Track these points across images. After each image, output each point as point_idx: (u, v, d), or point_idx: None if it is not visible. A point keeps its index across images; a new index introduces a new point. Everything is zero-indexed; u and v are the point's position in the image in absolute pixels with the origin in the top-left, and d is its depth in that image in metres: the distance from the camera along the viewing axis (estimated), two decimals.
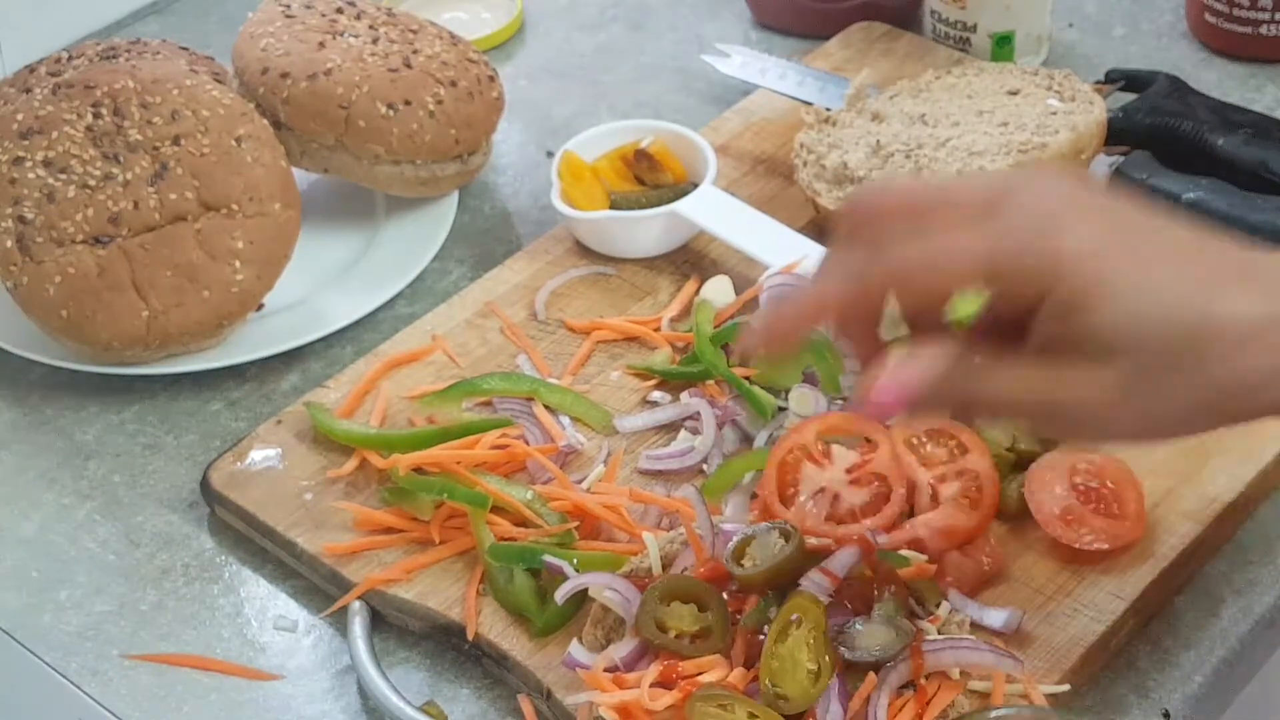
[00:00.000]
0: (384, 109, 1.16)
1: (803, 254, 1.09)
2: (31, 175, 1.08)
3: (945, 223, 0.75)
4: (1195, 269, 0.73)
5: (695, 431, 1.01)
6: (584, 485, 0.98)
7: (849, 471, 0.92)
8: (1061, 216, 0.73)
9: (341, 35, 1.20)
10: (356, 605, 0.94)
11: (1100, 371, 0.73)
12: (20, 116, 1.10)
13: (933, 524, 0.92)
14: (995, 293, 0.74)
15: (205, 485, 1.02)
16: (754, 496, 0.95)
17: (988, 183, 0.77)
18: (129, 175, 1.09)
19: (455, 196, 1.23)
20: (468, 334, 1.10)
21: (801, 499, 0.90)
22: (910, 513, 0.94)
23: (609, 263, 1.15)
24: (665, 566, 0.89)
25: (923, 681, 0.84)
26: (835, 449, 0.93)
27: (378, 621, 0.95)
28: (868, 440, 0.93)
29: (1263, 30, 1.31)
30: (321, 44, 1.18)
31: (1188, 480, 0.96)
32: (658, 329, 1.08)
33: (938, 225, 0.75)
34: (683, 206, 1.14)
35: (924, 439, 0.94)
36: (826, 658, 0.82)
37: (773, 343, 0.79)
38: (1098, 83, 1.22)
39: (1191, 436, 0.76)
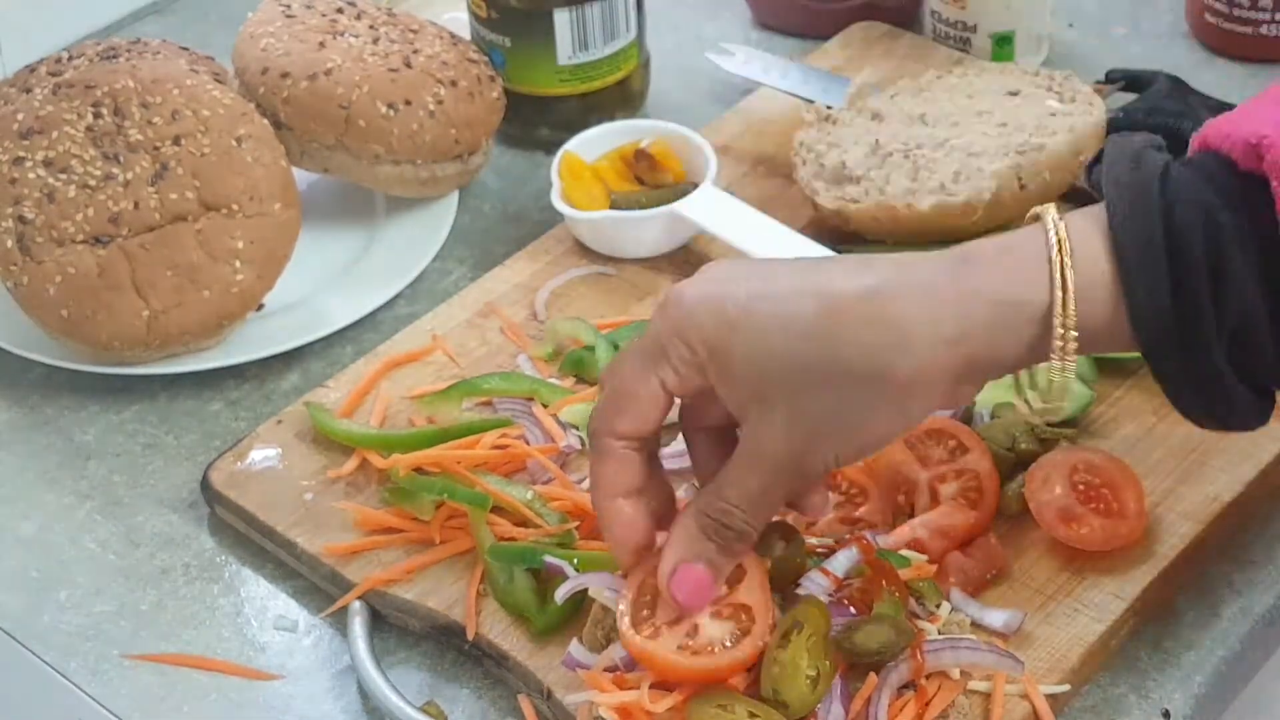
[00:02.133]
0: (384, 109, 1.16)
1: (799, 253, 1.09)
2: (32, 175, 1.08)
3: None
4: (811, 273, 0.78)
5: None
6: (584, 485, 0.98)
7: (713, 602, 0.83)
8: (682, 286, 0.79)
9: (341, 35, 1.20)
10: (356, 605, 0.94)
11: (769, 416, 0.77)
12: (20, 116, 1.10)
13: (932, 524, 0.92)
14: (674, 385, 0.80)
15: (205, 485, 1.02)
16: None
17: (653, 318, 0.81)
18: (129, 175, 1.09)
19: (455, 196, 1.23)
20: (468, 334, 1.10)
21: (657, 622, 0.83)
22: (910, 512, 0.94)
23: (609, 263, 1.15)
24: None
25: (923, 682, 0.84)
26: None
27: (378, 621, 0.95)
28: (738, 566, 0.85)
29: (1263, 30, 1.31)
30: (321, 44, 1.18)
31: (1188, 480, 0.96)
32: None
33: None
34: (683, 206, 1.14)
35: (923, 438, 0.94)
36: (827, 663, 0.82)
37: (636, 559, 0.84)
38: (1098, 83, 1.22)
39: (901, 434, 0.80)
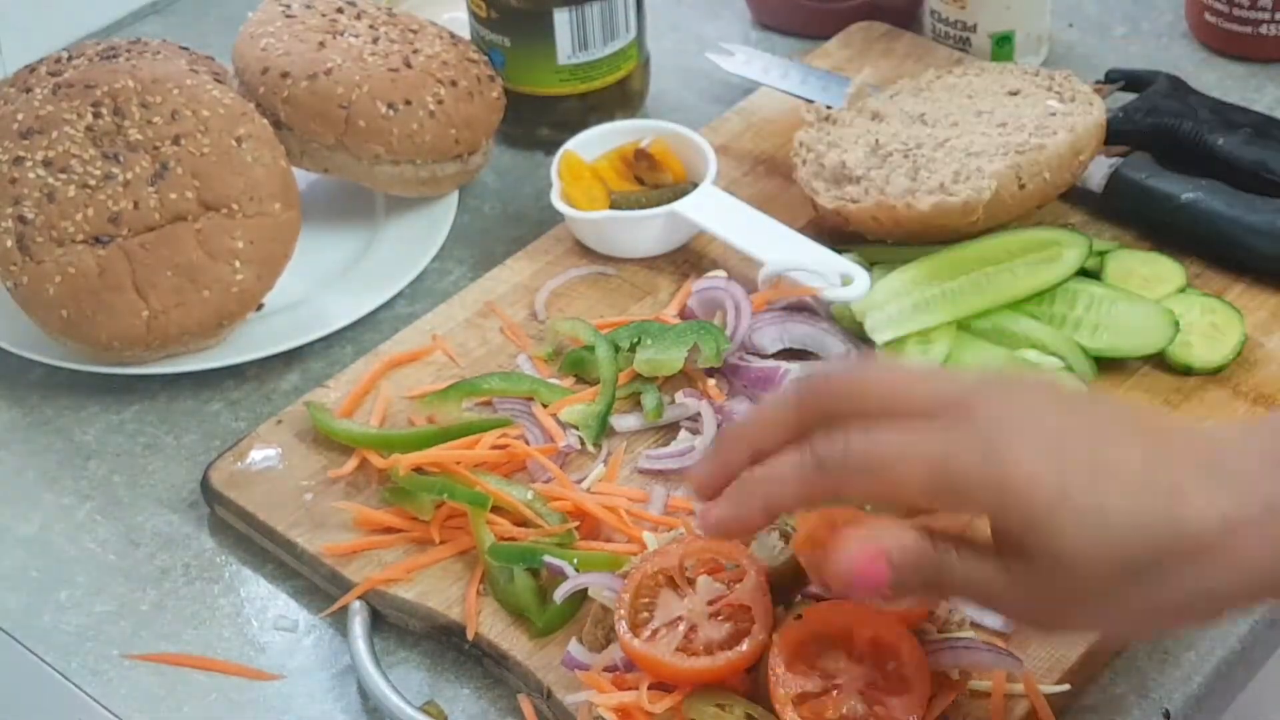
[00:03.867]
0: (384, 109, 1.16)
1: (799, 253, 1.09)
2: (31, 175, 1.08)
3: (899, 423, 0.74)
4: (1157, 474, 0.71)
5: (695, 431, 1.01)
6: (584, 485, 0.98)
7: (711, 603, 0.83)
8: (1011, 437, 0.71)
9: (341, 35, 1.20)
10: (356, 605, 0.94)
11: (1063, 582, 0.71)
12: (20, 116, 1.10)
13: None
14: (949, 506, 0.74)
15: (205, 485, 1.02)
16: None
17: (949, 387, 0.75)
18: (129, 175, 1.09)
19: (455, 196, 1.23)
20: (468, 334, 1.10)
21: (655, 625, 0.83)
22: None
23: (609, 263, 1.15)
24: None
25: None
26: (701, 579, 0.84)
27: (378, 621, 0.95)
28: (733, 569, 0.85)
29: (1263, 30, 1.31)
30: (321, 44, 1.18)
31: None
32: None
33: (891, 424, 0.74)
34: (683, 206, 1.14)
35: None
36: None
37: (711, 493, 0.79)
38: (1098, 83, 1.22)
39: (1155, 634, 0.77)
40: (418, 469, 0.97)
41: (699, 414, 1.01)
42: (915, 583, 0.75)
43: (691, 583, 0.84)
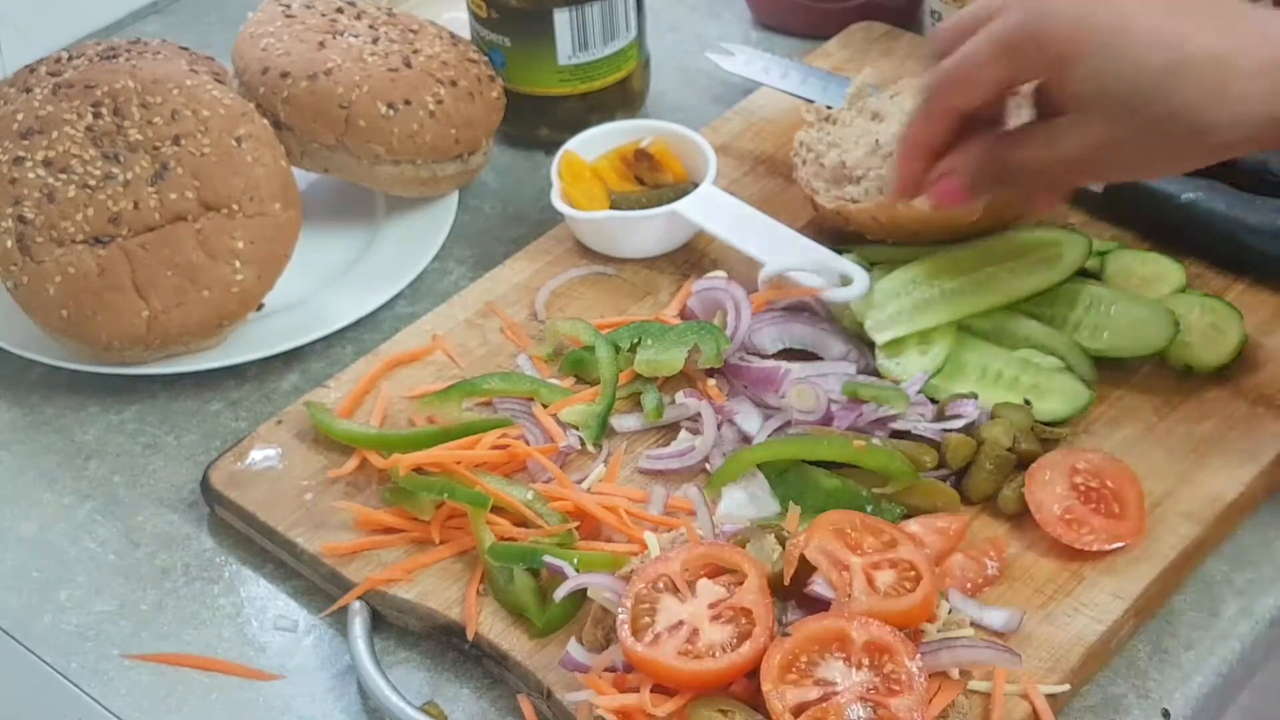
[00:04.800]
0: (384, 109, 1.16)
1: (799, 253, 1.09)
2: (31, 175, 1.08)
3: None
4: (1172, 13, 0.84)
5: (695, 431, 1.01)
6: (584, 485, 0.98)
7: (712, 606, 0.83)
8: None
9: (341, 35, 1.20)
10: (356, 605, 0.94)
11: (1085, 124, 0.88)
12: (20, 116, 1.10)
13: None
14: (1014, 71, 0.91)
15: (205, 485, 1.02)
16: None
17: None
18: (129, 175, 1.09)
19: (455, 196, 1.23)
20: (468, 334, 1.10)
21: (656, 629, 0.83)
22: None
23: (609, 263, 1.15)
24: None
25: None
26: (701, 582, 0.85)
27: (378, 621, 0.95)
28: (733, 573, 0.86)
29: None
30: (321, 44, 1.18)
31: (1188, 480, 0.96)
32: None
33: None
34: (683, 206, 1.14)
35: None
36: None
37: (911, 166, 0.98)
38: None
39: (1184, 168, 0.94)
40: (418, 469, 0.97)
41: (699, 414, 1.01)
42: (987, 175, 0.94)
43: (692, 586, 0.84)
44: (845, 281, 1.07)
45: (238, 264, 1.09)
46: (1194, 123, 0.85)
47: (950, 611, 0.87)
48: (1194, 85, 0.84)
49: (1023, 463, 0.96)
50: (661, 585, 0.85)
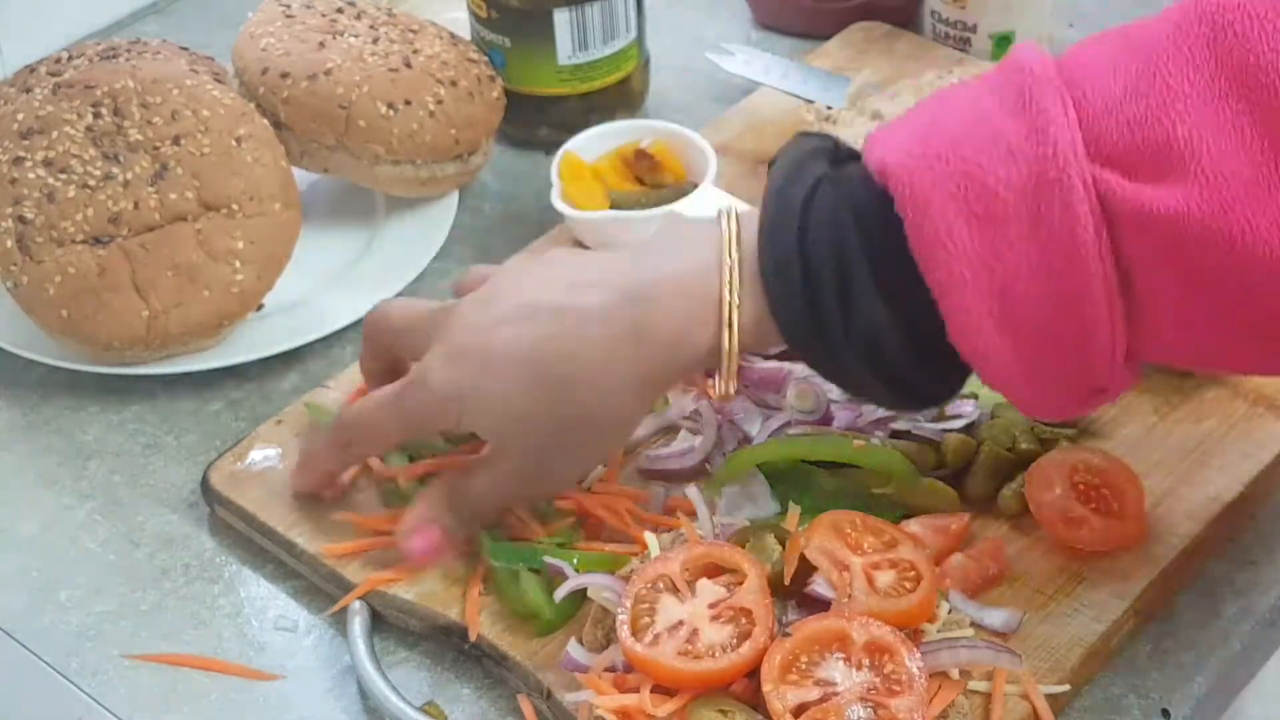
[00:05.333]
0: (384, 109, 1.16)
1: None
2: (31, 175, 1.08)
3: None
4: (544, 319, 0.87)
5: (695, 431, 1.01)
6: (584, 485, 0.98)
7: (712, 606, 0.84)
8: (432, 358, 0.90)
9: (341, 35, 1.20)
10: (356, 605, 0.94)
11: (503, 456, 0.91)
12: (20, 116, 1.10)
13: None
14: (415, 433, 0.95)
15: (205, 485, 1.02)
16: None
17: (432, 316, 0.93)
18: (129, 175, 1.09)
19: (455, 196, 1.23)
20: None
21: (656, 629, 0.83)
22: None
23: None
24: None
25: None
26: (701, 582, 0.85)
27: (378, 621, 0.95)
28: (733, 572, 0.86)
29: None
30: (321, 44, 1.18)
31: (1188, 480, 0.96)
32: None
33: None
34: (683, 206, 1.13)
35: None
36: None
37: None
38: None
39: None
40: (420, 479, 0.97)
41: (698, 413, 1.01)
42: (467, 523, 0.93)
43: (692, 586, 0.84)
44: None
45: (238, 264, 1.09)
46: (579, 415, 0.88)
47: (950, 611, 0.87)
48: (559, 386, 0.87)
49: (1023, 463, 0.96)
50: (661, 585, 0.85)
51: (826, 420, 0.99)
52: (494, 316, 0.89)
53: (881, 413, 0.98)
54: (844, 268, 0.81)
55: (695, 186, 1.15)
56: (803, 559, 0.85)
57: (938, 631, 0.85)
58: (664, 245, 0.88)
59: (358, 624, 0.93)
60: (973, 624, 0.88)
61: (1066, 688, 0.87)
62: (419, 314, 0.94)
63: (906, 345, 0.82)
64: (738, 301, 0.84)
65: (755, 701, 0.81)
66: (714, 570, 0.85)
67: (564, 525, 0.95)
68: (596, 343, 0.86)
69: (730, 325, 0.84)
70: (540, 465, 0.91)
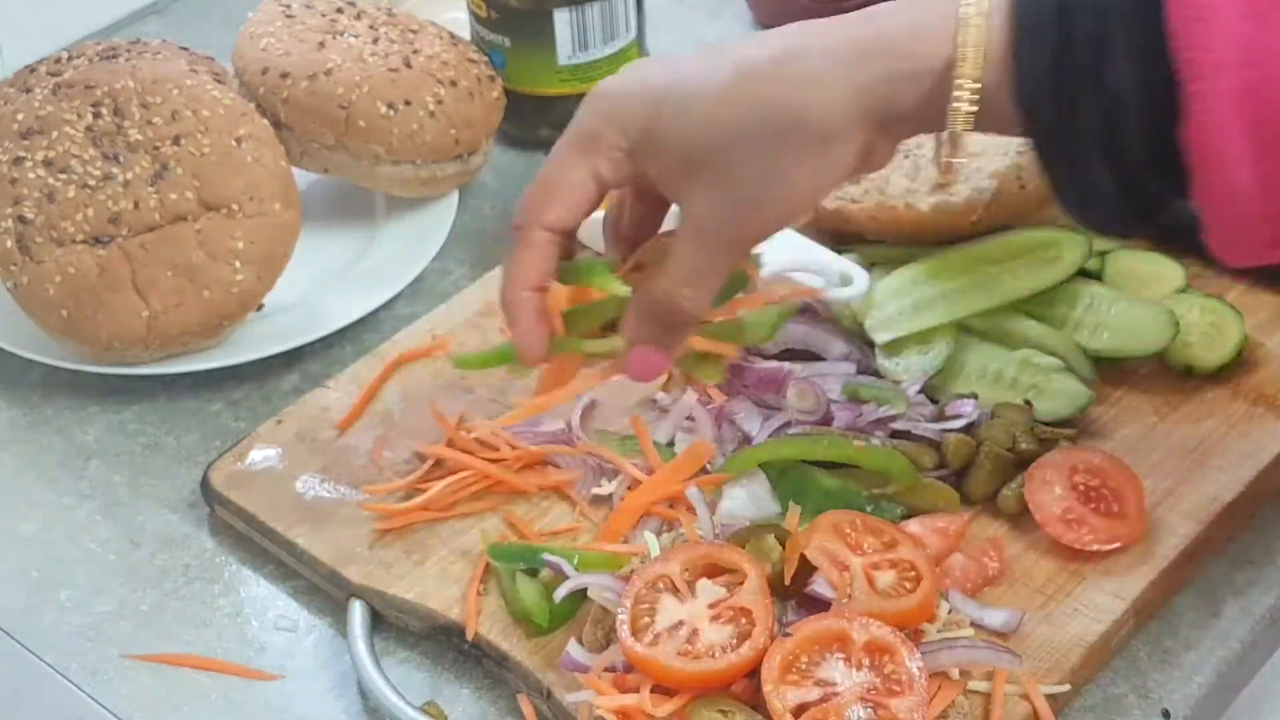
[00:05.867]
0: (384, 109, 1.16)
1: (799, 253, 1.09)
2: (31, 175, 1.08)
3: None
4: (726, 51, 0.80)
5: (689, 430, 1.01)
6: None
7: (711, 606, 0.84)
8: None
9: (341, 35, 1.20)
10: (356, 605, 0.94)
11: (703, 190, 0.81)
12: (20, 116, 1.10)
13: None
14: (600, 165, 0.83)
15: (205, 485, 1.02)
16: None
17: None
18: (129, 175, 1.09)
19: (455, 196, 1.23)
20: (468, 334, 1.10)
21: (656, 630, 0.83)
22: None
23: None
24: None
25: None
26: (701, 582, 0.85)
27: (378, 621, 0.95)
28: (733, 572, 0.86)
29: None
30: (321, 44, 1.18)
31: (1188, 480, 0.96)
32: None
33: None
34: None
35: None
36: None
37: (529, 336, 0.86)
38: None
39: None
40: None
41: (692, 415, 1.01)
42: (661, 325, 0.84)
43: (691, 586, 0.84)
44: (845, 281, 1.07)
45: (238, 264, 1.09)
46: (785, 114, 0.79)
47: (950, 611, 0.87)
48: (768, 81, 0.79)
49: (1023, 463, 0.96)
50: (661, 585, 0.85)
51: (826, 420, 0.99)
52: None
53: (881, 413, 0.99)
54: (1104, 20, 0.74)
55: None
56: (803, 559, 0.85)
57: (938, 631, 0.85)
58: None
59: (358, 624, 0.93)
60: (973, 624, 0.88)
61: (1066, 688, 0.87)
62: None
63: (1146, 129, 0.74)
64: (977, 8, 0.76)
65: (755, 701, 0.81)
66: (714, 570, 0.85)
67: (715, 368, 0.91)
68: (814, 51, 0.79)
69: (963, 45, 0.76)
70: (742, 194, 0.80)
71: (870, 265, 1.08)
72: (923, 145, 1.12)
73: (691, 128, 0.80)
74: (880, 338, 1.04)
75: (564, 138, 0.85)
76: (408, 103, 1.17)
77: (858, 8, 1.36)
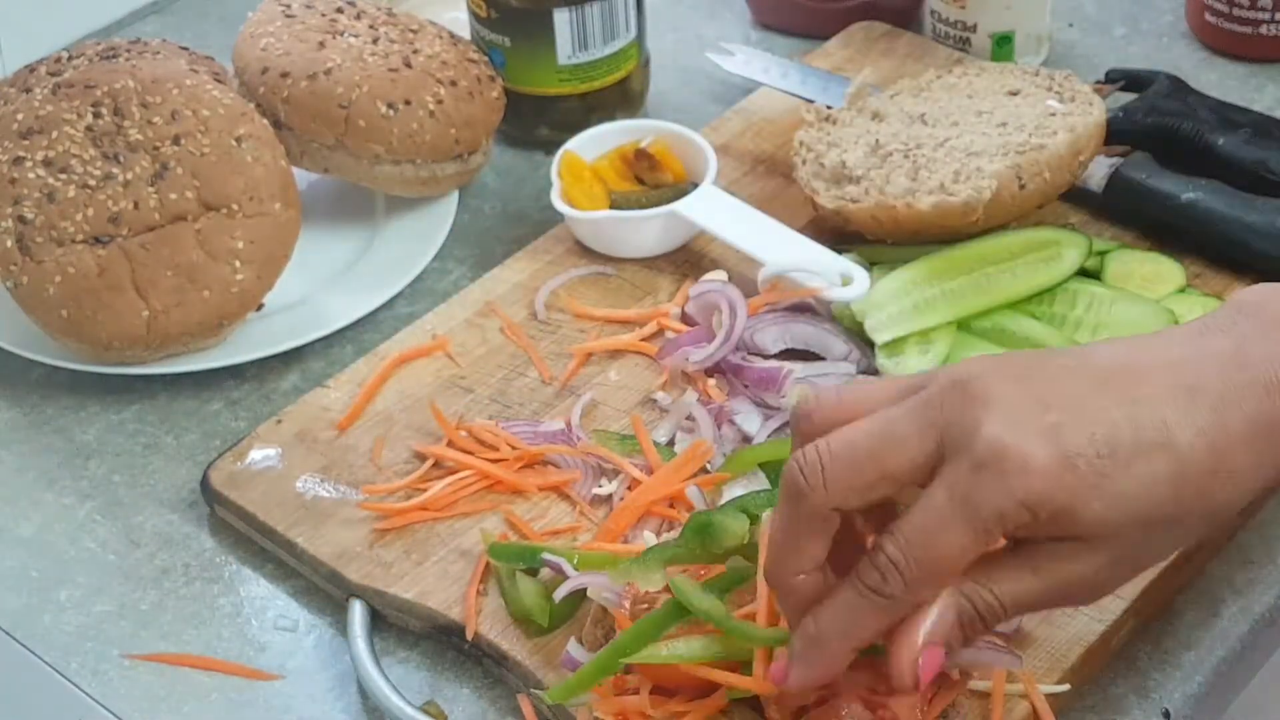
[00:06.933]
0: (384, 109, 1.16)
1: (799, 253, 1.09)
2: (31, 175, 1.08)
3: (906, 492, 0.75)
4: (1142, 418, 0.73)
5: (689, 430, 1.01)
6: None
7: None
8: (999, 437, 0.72)
9: (341, 35, 1.20)
10: (356, 605, 0.94)
11: (1088, 555, 0.74)
12: (20, 116, 1.10)
13: None
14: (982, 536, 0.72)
15: (205, 485, 1.02)
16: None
17: (912, 376, 0.77)
18: (129, 175, 1.09)
19: (455, 196, 1.23)
20: (468, 334, 1.10)
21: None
22: None
23: (609, 263, 1.15)
24: None
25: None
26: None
27: (378, 621, 0.95)
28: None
29: (1263, 30, 1.31)
30: (321, 44, 1.18)
31: None
32: (663, 326, 1.09)
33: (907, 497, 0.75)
34: (683, 206, 1.14)
35: None
36: None
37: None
38: (1098, 83, 1.22)
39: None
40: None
41: (692, 415, 1.01)
42: (970, 627, 0.75)
43: None
44: (845, 281, 1.07)
45: (238, 264, 1.09)
46: (1212, 511, 0.75)
47: None
48: (1201, 478, 0.74)
49: None
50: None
51: None
52: (1066, 384, 0.74)
53: None
54: None
55: (695, 186, 1.15)
56: None
57: None
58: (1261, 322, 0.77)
59: (357, 624, 0.93)
60: None
61: (1066, 688, 0.87)
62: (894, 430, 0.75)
63: None
64: None
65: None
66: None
67: None
68: (1237, 443, 0.74)
69: None
70: (1125, 567, 0.76)
71: (870, 265, 1.08)
72: (922, 145, 1.12)
73: (1119, 519, 0.73)
74: (880, 338, 1.04)
75: (949, 508, 0.72)
76: (408, 102, 1.17)
77: (857, 7, 1.36)
